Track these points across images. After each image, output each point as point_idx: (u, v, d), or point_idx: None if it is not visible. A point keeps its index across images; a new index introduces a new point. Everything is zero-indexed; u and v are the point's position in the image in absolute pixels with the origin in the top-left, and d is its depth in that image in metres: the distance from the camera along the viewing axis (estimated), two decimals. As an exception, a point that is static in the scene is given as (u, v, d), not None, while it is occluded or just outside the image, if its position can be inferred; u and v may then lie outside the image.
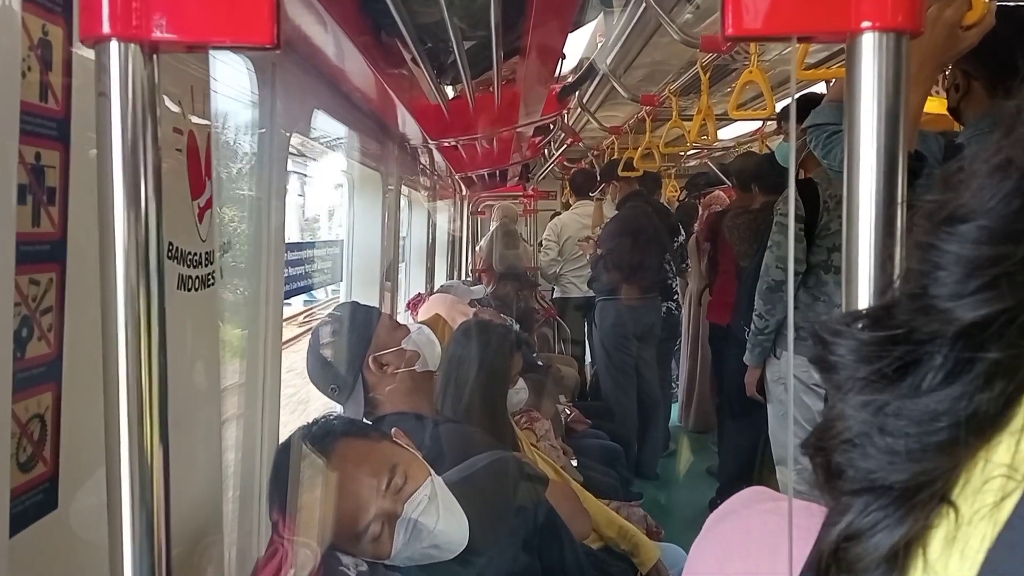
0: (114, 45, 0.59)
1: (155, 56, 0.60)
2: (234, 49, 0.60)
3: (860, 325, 0.34)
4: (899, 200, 0.52)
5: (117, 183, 0.59)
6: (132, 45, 0.59)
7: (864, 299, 0.53)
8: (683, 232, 5.21)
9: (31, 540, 0.74)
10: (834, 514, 0.33)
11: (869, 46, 0.52)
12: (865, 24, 0.52)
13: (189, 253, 1.00)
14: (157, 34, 0.59)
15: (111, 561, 0.60)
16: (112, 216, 0.59)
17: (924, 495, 0.29)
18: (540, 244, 6.27)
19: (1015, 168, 0.29)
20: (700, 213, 5.59)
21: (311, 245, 2.31)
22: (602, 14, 2.57)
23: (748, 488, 0.70)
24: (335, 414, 1.55)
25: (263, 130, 1.31)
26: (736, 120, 4.38)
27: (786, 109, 3.12)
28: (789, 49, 2.71)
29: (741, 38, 0.54)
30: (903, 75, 0.52)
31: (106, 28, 0.58)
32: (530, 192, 6.73)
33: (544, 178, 7.35)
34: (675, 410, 5.20)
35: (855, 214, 0.53)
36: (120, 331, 0.59)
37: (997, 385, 0.28)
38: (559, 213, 8.11)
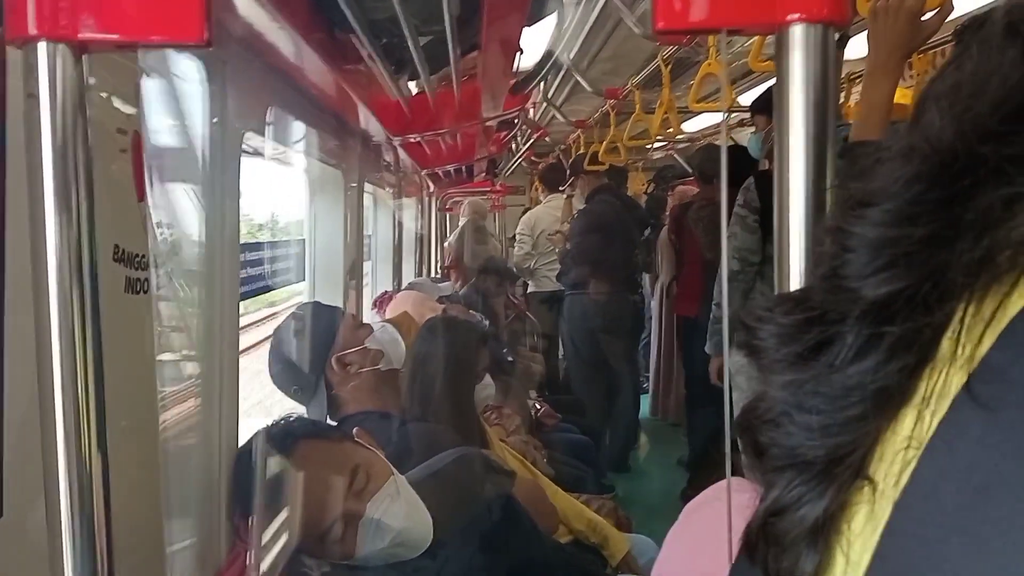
0: (42, 46, 0.58)
1: (84, 56, 0.59)
2: (165, 47, 0.59)
3: (781, 309, 0.35)
4: (828, 190, 0.53)
5: (48, 185, 0.58)
6: (60, 45, 0.58)
7: (796, 286, 0.53)
8: (651, 225, 5.23)
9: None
10: (764, 491, 0.34)
11: (797, 38, 0.53)
12: (792, 16, 0.52)
13: (136, 256, 0.99)
14: (86, 34, 0.58)
15: (52, 570, 0.59)
16: (43, 220, 0.58)
17: (842, 468, 0.30)
18: (512, 239, 6.25)
19: (916, 155, 0.31)
20: (669, 206, 5.63)
21: (271, 245, 2.29)
22: (562, 6, 2.57)
23: (726, 478, 0.70)
24: (295, 415, 1.54)
25: (214, 127, 1.29)
26: (700, 112, 4.41)
27: (757, 102, 3.15)
28: (751, 42, 2.74)
29: (672, 31, 0.54)
30: (831, 66, 0.53)
31: (33, 29, 0.57)
32: (498, 187, 6.72)
33: (512, 173, 7.35)
34: (645, 402, 5.22)
35: (786, 204, 0.53)
36: (54, 338, 0.58)
37: (901, 359, 0.29)
38: (529, 208, 8.09)
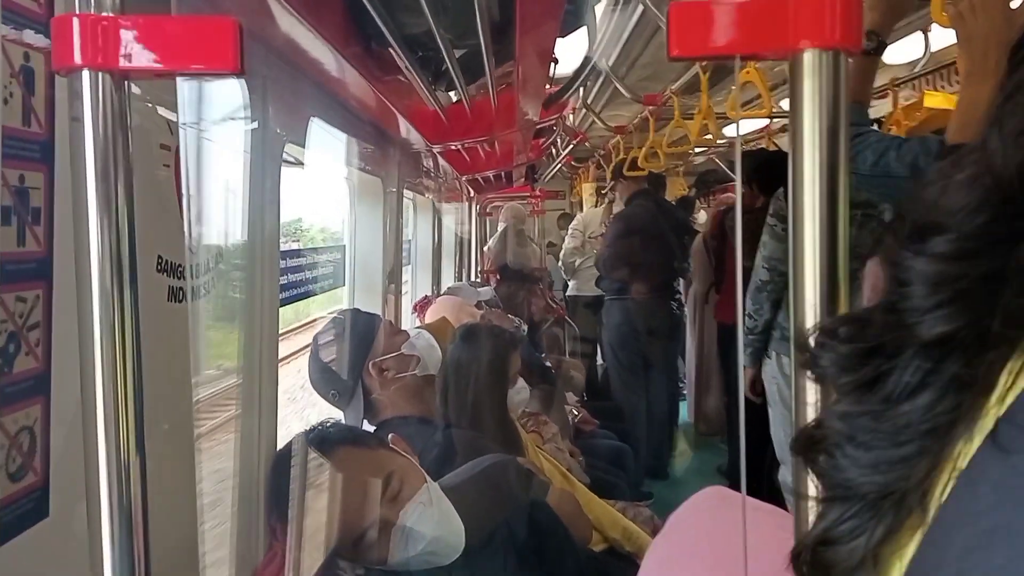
0: (86, 74, 0.61)
1: (126, 82, 0.62)
2: (200, 76, 0.63)
3: (843, 333, 0.35)
4: (841, 213, 0.53)
5: (91, 202, 0.61)
6: (103, 74, 0.61)
7: (810, 311, 0.54)
8: (688, 230, 5.20)
9: (22, 547, 0.77)
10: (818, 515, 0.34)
11: (809, 64, 0.53)
12: (804, 43, 0.53)
13: (179, 266, 1.03)
14: (125, 63, 0.61)
15: (91, 565, 0.62)
16: (87, 233, 0.61)
17: (892, 504, 0.30)
18: (550, 244, 6.27)
19: (979, 185, 0.29)
20: (710, 212, 5.60)
21: (313, 251, 2.33)
22: (601, 15, 2.58)
23: (709, 488, 0.70)
24: (332, 421, 1.57)
25: (255, 140, 1.33)
26: (740, 118, 4.37)
27: None
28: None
29: (685, 58, 0.55)
30: (843, 92, 0.54)
31: (77, 59, 0.60)
32: (537, 192, 6.75)
33: (552, 178, 7.37)
34: (684, 409, 5.19)
35: (800, 227, 0.54)
36: (96, 343, 0.62)
37: (954, 398, 0.29)
38: (566, 213, 8.12)
